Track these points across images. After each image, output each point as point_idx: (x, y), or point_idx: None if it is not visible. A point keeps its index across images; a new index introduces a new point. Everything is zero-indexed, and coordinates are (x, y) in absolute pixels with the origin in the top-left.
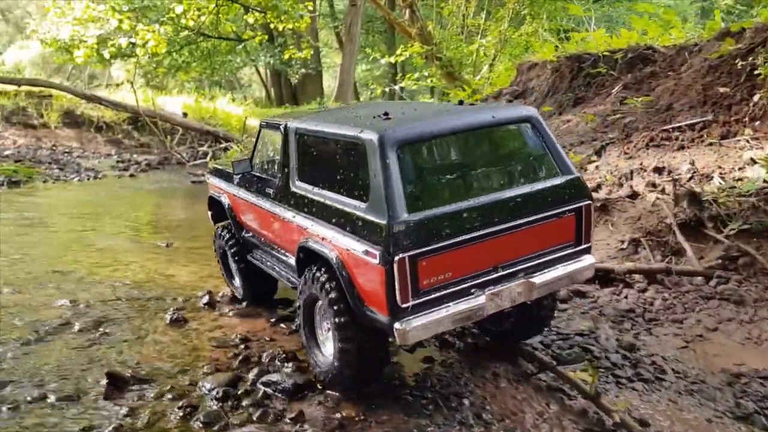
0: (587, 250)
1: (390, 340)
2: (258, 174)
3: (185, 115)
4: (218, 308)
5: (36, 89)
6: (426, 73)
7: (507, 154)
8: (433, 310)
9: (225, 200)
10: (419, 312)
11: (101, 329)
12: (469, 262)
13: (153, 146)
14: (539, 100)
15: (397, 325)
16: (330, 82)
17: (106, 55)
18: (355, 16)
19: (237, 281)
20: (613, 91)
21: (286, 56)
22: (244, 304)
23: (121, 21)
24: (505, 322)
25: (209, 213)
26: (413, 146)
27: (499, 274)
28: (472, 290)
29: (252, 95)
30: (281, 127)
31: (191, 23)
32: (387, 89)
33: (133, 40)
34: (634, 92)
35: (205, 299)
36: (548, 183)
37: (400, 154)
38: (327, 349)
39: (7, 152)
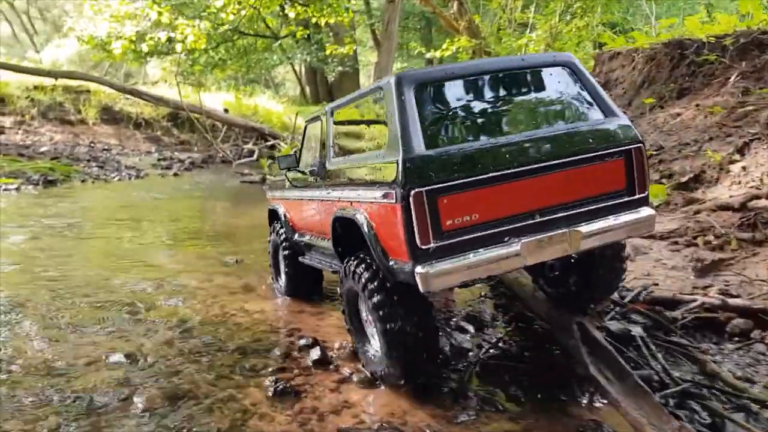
0: (644, 201)
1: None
2: (304, 169)
3: (226, 111)
4: (335, 368)
5: (74, 84)
6: None
7: (542, 97)
8: (459, 255)
9: (281, 209)
10: (444, 257)
11: (178, 408)
12: (500, 204)
13: (194, 144)
14: (630, 91)
15: (418, 269)
16: (364, 81)
17: (144, 49)
18: (393, 12)
19: (282, 279)
20: (729, 80)
21: (328, 52)
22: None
23: (160, 14)
24: (567, 283)
25: (270, 228)
26: (433, 86)
27: (537, 220)
28: (506, 237)
29: (286, 93)
30: (320, 115)
31: (231, 17)
32: None
33: (171, 34)
34: (755, 82)
35: (315, 354)
36: (590, 125)
37: (418, 93)
38: (376, 342)
39: (43, 149)
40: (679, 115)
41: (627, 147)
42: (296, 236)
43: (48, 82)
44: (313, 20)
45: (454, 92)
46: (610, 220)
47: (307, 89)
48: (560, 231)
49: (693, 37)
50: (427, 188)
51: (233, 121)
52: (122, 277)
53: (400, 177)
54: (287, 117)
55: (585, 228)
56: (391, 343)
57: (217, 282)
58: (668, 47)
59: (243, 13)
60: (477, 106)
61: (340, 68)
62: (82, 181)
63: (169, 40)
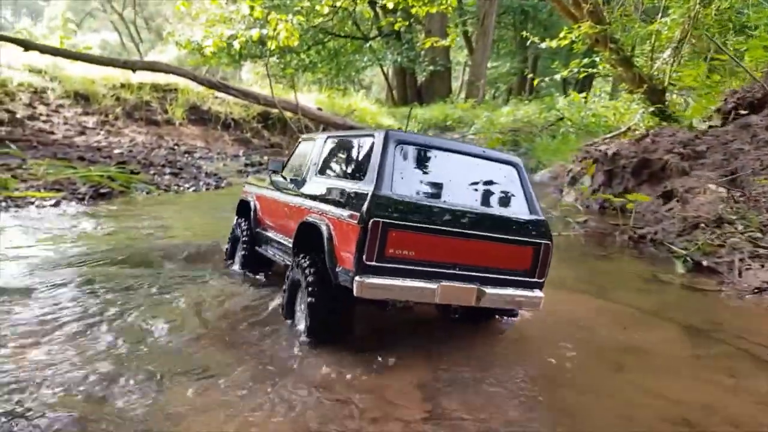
0: (539, 286)
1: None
2: (286, 176)
3: (320, 110)
4: None
5: (162, 82)
6: (597, 59)
7: (489, 183)
8: (390, 277)
9: (252, 201)
10: (379, 275)
11: None
12: (432, 250)
13: (285, 147)
14: None
15: (357, 278)
16: (453, 82)
17: (236, 46)
18: (489, 7)
19: (236, 263)
20: None
21: (427, 44)
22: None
23: (252, 8)
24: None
25: (236, 217)
26: (409, 147)
27: (456, 272)
28: (429, 276)
29: (373, 96)
30: (316, 138)
31: (325, 10)
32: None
33: (263, 31)
34: None
35: None
36: (517, 216)
37: (398, 150)
38: (300, 326)
39: (117, 150)
40: None
41: (538, 241)
42: (258, 228)
43: (135, 79)
44: (414, 10)
45: (425, 157)
46: (509, 291)
47: (395, 92)
48: (471, 286)
49: None
50: (383, 220)
51: (330, 120)
52: None
53: (366, 206)
54: (392, 119)
55: (489, 290)
56: (313, 320)
57: None
58: None
59: (338, 3)
60: (438, 172)
61: (431, 68)
62: (147, 193)
63: (261, 41)
